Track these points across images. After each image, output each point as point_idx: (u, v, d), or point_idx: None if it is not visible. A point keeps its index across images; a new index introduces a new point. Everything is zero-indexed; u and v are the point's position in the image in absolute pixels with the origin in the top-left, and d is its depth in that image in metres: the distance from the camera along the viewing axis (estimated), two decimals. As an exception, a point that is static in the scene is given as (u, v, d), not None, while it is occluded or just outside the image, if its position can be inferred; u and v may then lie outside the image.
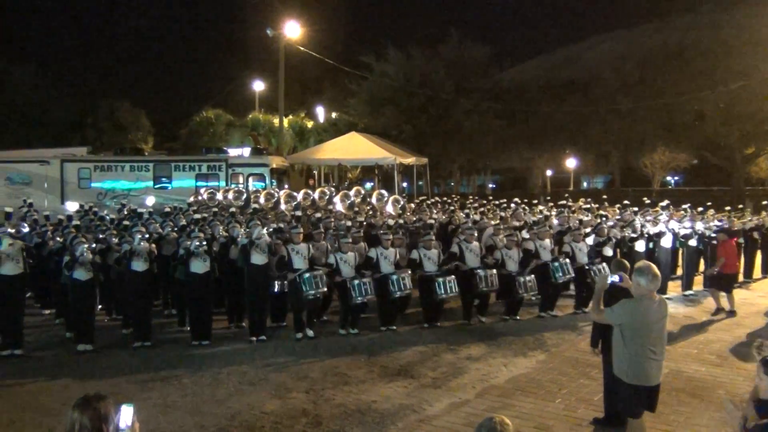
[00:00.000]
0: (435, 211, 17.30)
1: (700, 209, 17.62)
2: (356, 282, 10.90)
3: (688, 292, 14.52)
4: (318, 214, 14.80)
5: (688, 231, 14.89)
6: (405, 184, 34.48)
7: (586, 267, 12.33)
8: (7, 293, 10.04)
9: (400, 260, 11.60)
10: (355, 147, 26.25)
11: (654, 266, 5.67)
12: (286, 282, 11.14)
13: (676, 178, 56.73)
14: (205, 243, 10.69)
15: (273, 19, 31.87)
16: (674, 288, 14.72)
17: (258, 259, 10.86)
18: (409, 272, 11.49)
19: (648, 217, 16.11)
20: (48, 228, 13.17)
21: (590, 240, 12.91)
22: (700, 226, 15.15)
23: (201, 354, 10.01)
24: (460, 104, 38.32)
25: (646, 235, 14.48)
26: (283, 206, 16.39)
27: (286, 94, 31.91)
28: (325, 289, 11.13)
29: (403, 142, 34.62)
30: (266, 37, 30.70)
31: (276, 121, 36.92)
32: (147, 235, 11.33)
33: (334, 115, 45.70)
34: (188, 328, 10.97)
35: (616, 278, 6.01)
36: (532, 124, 41.12)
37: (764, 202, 19.83)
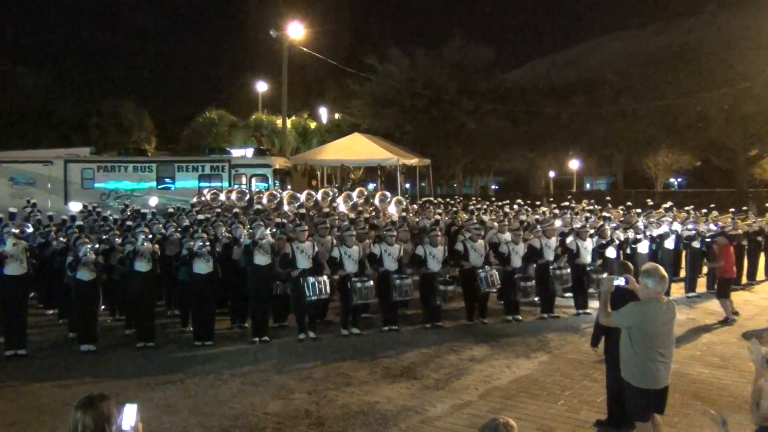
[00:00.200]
0: (438, 212, 17.26)
1: (703, 211, 17.60)
2: (358, 285, 10.89)
3: (691, 294, 14.50)
4: (325, 211, 14.74)
5: (692, 233, 14.87)
6: (408, 185, 34.44)
7: (588, 268, 12.34)
8: (11, 293, 10.07)
9: (403, 256, 11.60)
10: (357, 148, 26.27)
11: (661, 268, 5.64)
12: (288, 284, 11.16)
13: (679, 179, 56.69)
14: (208, 244, 10.70)
15: (276, 20, 31.97)
16: (677, 290, 14.69)
17: (261, 259, 10.87)
18: (411, 280, 11.45)
19: (651, 219, 16.08)
20: (51, 228, 13.18)
21: (593, 242, 12.88)
22: (702, 227, 15.13)
23: (204, 354, 10.01)
24: (463, 105, 38.36)
25: (649, 237, 14.47)
26: (286, 207, 16.39)
27: (290, 94, 31.95)
28: (327, 296, 11.18)
29: (406, 143, 34.65)
30: (270, 38, 30.78)
31: (279, 121, 36.95)
32: (150, 236, 11.34)
33: (337, 116, 45.75)
34: (191, 329, 10.99)
35: (621, 281, 5.96)
36: (535, 125, 41.13)
37: (768, 204, 19.81)
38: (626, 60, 45.11)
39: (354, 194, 17.38)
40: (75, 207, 18.66)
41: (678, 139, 38.99)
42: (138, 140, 44.05)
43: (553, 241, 12.62)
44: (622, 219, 16.27)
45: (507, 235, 12.77)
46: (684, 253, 15.39)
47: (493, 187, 61.37)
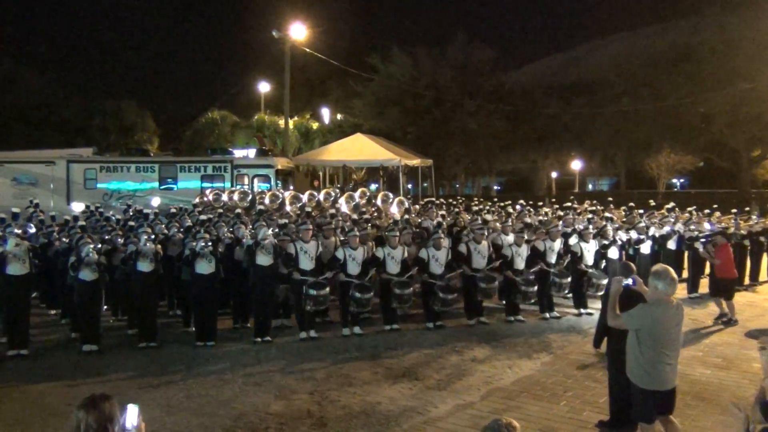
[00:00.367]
0: (441, 213, 17.26)
1: (706, 212, 17.58)
2: (357, 295, 10.86)
3: (693, 295, 14.49)
4: (331, 212, 14.71)
5: (694, 233, 14.85)
6: (410, 186, 34.45)
7: (589, 271, 12.32)
8: (14, 293, 10.10)
9: (407, 258, 11.58)
10: (360, 148, 26.25)
11: (671, 270, 5.62)
12: (288, 288, 11.19)
13: (681, 180, 56.63)
14: (210, 244, 10.72)
15: (279, 21, 31.98)
16: (679, 290, 14.61)
17: (263, 260, 10.87)
18: (411, 289, 11.43)
19: (654, 220, 16.06)
20: (54, 228, 13.19)
21: (596, 243, 12.87)
22: (706, 228, 15.11)
23: (206, 355, 10.02)
24: (465, 106, 38.36)
25: (652, 238, 14.46)
26: (288, 207, 16.40)
27: (292, 95, 31.97)
28: (326, 306, 11.24)
29: (409, 143, 34.62)
30: (272, 38, 30.77)
31: (281, 122, 36.96)
32: (153, 236, 11.35)
33: (339, 116, 45.81)
34: (193, 329, 10.99)
35: (629, 281, 5.94)
36: (537, 126, 41.15)
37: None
38: (628, 61, 45.06)
39: (356, 195, 17.38)
40: (77, 207, 18.67)
41: (680, 139, 38.96)
42: (140, 140, 44.12)
43: (557, 244, 12.60)
44: (624, 220, 16.26)
45: (510, 237, 12.76)
46: (686, 254, 15.36)
47: (495, 187, 61.35)
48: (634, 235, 14.19)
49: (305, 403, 7.82)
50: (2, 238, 11.00)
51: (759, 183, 44.58)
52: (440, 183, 44.57)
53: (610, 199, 22.30)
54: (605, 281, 11.89)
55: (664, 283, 5.50)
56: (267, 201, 16.84)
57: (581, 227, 13.24)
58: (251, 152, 25.47)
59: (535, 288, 11.95)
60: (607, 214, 16.04)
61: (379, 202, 17.22)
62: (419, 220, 15.47)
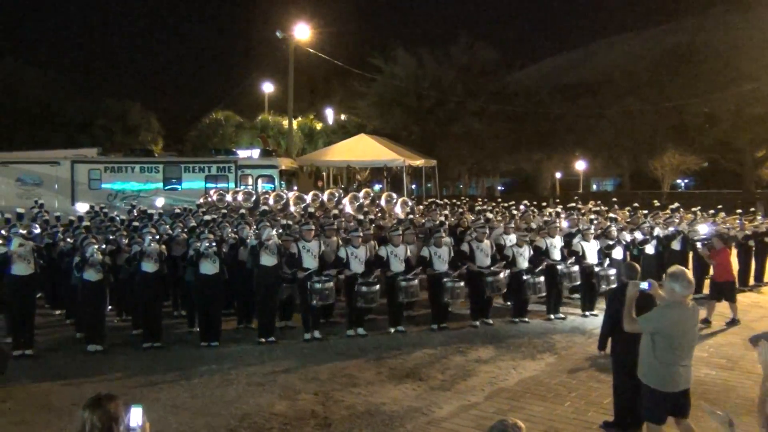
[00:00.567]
0: (445, 213, 17.25)
1: (711, 212, 17.53)
2: (364, 289, 10.88)
3: (697, 296, 14.44)
4: (334, 213, 14.73)
5: (690, 235, 14.81)
6: (414, 186, 34.48)
7: (594, 269, 12.31)
8: (19, 293, 10.12)
9: (410, 257, 11.59)
10: (363, 149, 26.27)
11: (688, 272, 5.58)
12: (294, 287, 11.19)
13: (686, 180, 56.48)
14: (214, 244, 10.72)
15: (283, 22, 32.01)
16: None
17: (267, 260, 10.88)
18: (417, 281, 11.43)
19: (658, 220, 16.03)
20: (59, 229, 13.23)
21: (599, 243, 12.85)
22: (703, 229, 15.04)
23: (210, 355, 10.04)
24: (469, 106, 38.34)
25: (656, 238, 14.43)
26: (292, 208, 16.41)
27: (296, 95, 31.99)
28: (332, 301, 11.20)
29: (412, 143, 34.64)
30: (276, 39, 30.80)
31: (285, 122, 36.99)
32: (157, 236, 11.36)
33: (343, 116, 45.79)
34: (197, 329, 11.00)
35: (645, 285, 5.87)
36: (541, 126, 41.09)
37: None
38: (633, 61, 45.02)
39: (360, 195, 17.38)
40: (82, 207, 18.73)
41: (685, 140, 38.89)
42: (144, 141, 44.18)
43: (558, 241, 12.59)
44: (629, 220, 16.22)
45: (512, 237, 12.75)
46: (691, 255, 15.32)
47: (499, 188, 61.30)
48: (638, 235, 14.16)
49: (309, 403, 7.82)
50: (7, 238, 11.05)
51: (764, 183, 44.43)
52: (444, 183, 44.58)
53: (615, 199, 22.23)
54: (612, 272, 11.89)
55: (681, 285, 5.43)
56: (271, 201, 16.85)
57: (583, 227, 13.23)
58: (255, 153, 25.49)
59: (543, 278, 11.91)
60: (611, 215, 16.01)
61: (383, 202, 17.22)
62: (423, 221, 15.46)
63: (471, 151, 40.78)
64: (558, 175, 54.39)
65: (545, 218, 15.54)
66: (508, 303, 12.77)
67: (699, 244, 14.14)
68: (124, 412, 3.30)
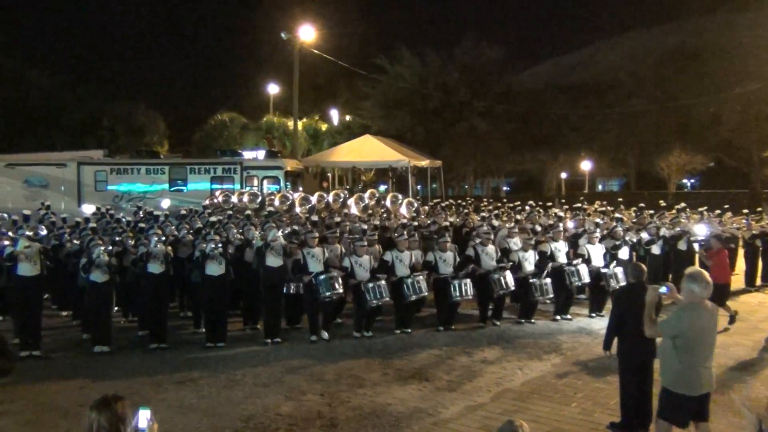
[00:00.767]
0: (449, 214, 17.26)
1: (717, 212, 17.48)
2: (371, 285, 10.88)
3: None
4: (337, 218, 14.73)
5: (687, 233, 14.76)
6: (419, 187, 34.43)
7: (601, 270, 12.28)
8: (26, 295, 10.16)
9: (415, 264, 11.57)
10: (368, 150, 26.28)
11: (706, 273, 5.53)
12: (300, 284, 11.19)
13: (692, 180, 56.26)
14: (220, 246, 10.74)
15: (287, 23, 32.03)
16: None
17: (273, 261, 10.89)
18: (424, 276, 11.45)
19: (664, 220, 15.99)
20: (65, 230, 13.27)
21: (605, 243, 12.82)
22: (701, 229, 14.98)
23: (216, 356, 10.05)
24: (474, 107, 38.30)
25: (662, 238, 14.39)
26: (297, 209, 16.43)
27: (301, 97, 32.04)
28: (342, 291, 11.06)
29: (417, 144, 34.62)
30: (281, 40, 30.84)
31: (290, 123, 37.04)
32: (163, 238, 11.39)
33: (348, 117, 45.82)
34: (203, 330, 11.03)
35: (664, 289, 5.85)
36: (546, 126, 41.01)
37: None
38: (638, 60, 44.89)
39: (365, 196, 17.40)
40: (88, 209, 18.79)
41: (690, 139, 38.74)
42: (150, 143, 44.28)
43: (562, 245, 12.57)
44: (635, 220, 16.19)
45: (517, 240, 12.72)
46: (697, 255, 15.26)
47: (504, 188, 61.20)
48: (644, 235, 14.12)
49: (315, 404, 7.83)
50: (14, 240, 11.10)
51: (770, 183, 44.25)
52: (449, 184, 44.54)
53: (620, 199, 22.21)
54: (620, 270, 11.86)
55: (700, 286, 5.39)
56: (277, 202, 16.87)
57: (589, 229, 13.20)
58: (260, 154, 25.54)
59: (549, 281, 11.89)
60: (617, 215, 15.98)
61: (388, 203, 17.23)
62: (428, 222, 15.47)
63: (476, 151, 40.71)
64: (563, 175, 54.24)
65: (550, 220, 15.53)
66: (515, 303, 12.73)
67: (696, 245, 14.10)
68: (131, 413, 3.32)
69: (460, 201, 22.74)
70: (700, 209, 17.62)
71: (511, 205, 19.47)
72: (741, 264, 16.16)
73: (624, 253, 12.92)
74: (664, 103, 36.23)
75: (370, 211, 16.24)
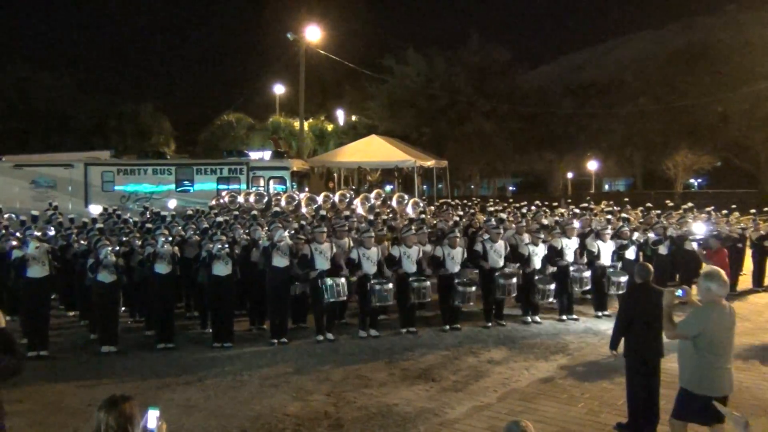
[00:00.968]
0: (459, 214, 17.22)
1: (724, 212, 17.39)
2: (377, 287, 10.88)
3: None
4: (345, 215, 14.73)
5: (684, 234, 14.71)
6: (425, 187, 34.43)
7: (608, 271, 12.25)
8: (34, 295, 10.21)
9: (422, 258, 11.57)
10: (374, 150, 26.29)
11: (722, 271, 5.49)
12: (306, 285, 11.21)
13: (699, 180, 56.03)
14: (226, 246, 10.77)
15: (294, 24, 32.07)
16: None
17: (279, 261, 10.91)
18: (429, 283, 11.41)
19: (672, 220, 15.93)
20: (73, 231, 13.32)
21: (613, 243, 12.79)
22: (707, 228, 14.95)
23: (223, 356, 10.07)
24: (480, 106, 38.24)
25: (669, 238, 14.33)
26: (304, 209, 16.44)
27: (307, 97, 32.03)
28: (345, 298, 11.17)
29: (423, 144, 34.63)
30: (287, 41, 30.86)
31: (296, 124, 37.07)
32: (170, 238, 11.42)
33: (354, 118, 45.80)
34: (210, 330, 11.06)
35: (680, 292, 5.81)
36: (552, 126, 40.91)
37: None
38: (645, 60, 44.78)
39: (371, 196, 17.39)
40: (95, 209, 18.86)
41: (698, 139, 38.59)
42: (157, 143, 44.37)
43: (574, 242, 12.55)
44: (641, 220, 16.13)
45: (525, 237, 12.72)
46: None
47: (510, 188, 61.14)
48: (651, 235, 14.08)
49: (322, 404, 7.83)
50: (23, 240, 11.15)
51: (778, 183, 44.00)
52: (455, 184, 44.52)
53: (627, 199, 22.12)
54: (624, 278, 11.83)
55: (717, 284, 5.35)
56: (283, 203, 16.89)
57: (599, 227, 13.17)
58: (267, 154, 25.58)
59: (554, 286, 11.87)
60: (623, 215, 15.93)
61: (394, 203, 17.22)
62: (434, 222, 15.45)
63: (482, 151, 40.65)
64: (570, 175, 54.11)
65: (556, 218, 15.48)
66: (519, 303, 12.70)
67: (695, 245, 14.03)
68: (139, 413, 3.33)
69: (466, 201, 22.69)
70: (707, 209, 17.54)
71: (518, 205, 19.42)
72: (748, 264, 16.08)
73: (631, 253, 12.89)
74: (671, 103, 36.10)
75: (378, 211, 16.22)
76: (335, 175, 29.75)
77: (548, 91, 45.08)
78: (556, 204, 23.10)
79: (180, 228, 13.24)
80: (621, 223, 13.84)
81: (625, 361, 6.90)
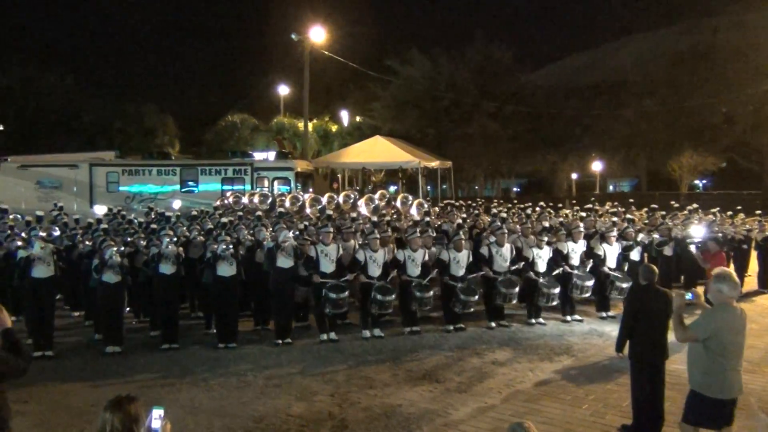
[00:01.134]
0: (463, 216, 17.21)
1: (729, 213, 17.34)
2: (379, 298, 10.86)
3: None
4: (352, 216, 14.71)
5: (717, 235, 14.64)
6: (429, 188, 34.41)
7: (611, 275, 12.21)
8: (39, 295, 10.24)
9: (427, 261, 11.56)
10: (379, 150, 26.30)
11: (734, 273, 5.47)
12: (309, 290, 11.23)
13: (704, 181, 55.89)
14: (231, 246, 10.78)
15: (298, 24, 32.09)
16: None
17: (284, 262, 10.92)
18: (432, 292, 11.38)
19: (676, 221, 15.89)
20: (77, 231, 13.35)
21: (618, 245, 12.75)
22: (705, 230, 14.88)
23: (227, 356, 10.09)
24: (484, 107, 38.21)
25: (674, 239, 14.30)
26: (308, 210, 16.45)
27: (311, 98, 32.09)
28: (346, 309, 11.21)
29: (427, 145, 34.60)
30: (291, 42, 30.91)
31: (300, 125, 37.13)
32: (174, 239, 11.44)
33: (358, 118, 45.85)
34: (214, 331, 11.07)
35: (689, 296, 5.78)
36: (557, 127, 40.84)
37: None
38: (650, 61, 44.66)
39: (375, 197, 17.39)
40: (100, 210, 18.90)
41: (703, 140, 38.49)
42: (161, 144, 44.47)
43: (581, 245, 12.50)
44: (646, 221, 16.09)
45: (531, 239, 12.69)
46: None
47: (514, 189, 61.06)
48: (656, 236, 14.05)
49: (326, 405, 7.84)
50: (28, 241, 11.19)
51: (783, 184, 43.85)
52: (459, 185, 44.46)
53: (632, 200, 22.08)
54: (627, 285, 11.79)
55: (729, 285, 5.34)
56: (287, 203, 16.90)
57: (604, 229, 13.13)
58: (271, 155, 25.61)
59: (558, 290, 11.85)
60: (628, 216, 15.90)
61: (398, 204, 17.21)
62: (439, 223, 15.44)
63: (486, 152, 40.60)
64: (574, 176, 54.03)
65: (560, 219, 15.46)
66: (522, 305, 12.68)
67: (693, 247, 13.98)
68: (144, 413, 3.34)
69: (470, 202, 22.68)
70: (712, 210, 17.49)
71: (522, 206, 19.40)
72: (754, 266, 16.02)
73: (635, 255, 12.85)
74: (676, 104, 36.03)
75: (383, 211, 16.22)
76: (339, 175, 29.79)
77: (553, 92, 44.97)
78: (560, 205, 23.04)
79: (185, 228, 13.25)
80: (626, 224, 13.81)
81: (630, 362, 6.89)
